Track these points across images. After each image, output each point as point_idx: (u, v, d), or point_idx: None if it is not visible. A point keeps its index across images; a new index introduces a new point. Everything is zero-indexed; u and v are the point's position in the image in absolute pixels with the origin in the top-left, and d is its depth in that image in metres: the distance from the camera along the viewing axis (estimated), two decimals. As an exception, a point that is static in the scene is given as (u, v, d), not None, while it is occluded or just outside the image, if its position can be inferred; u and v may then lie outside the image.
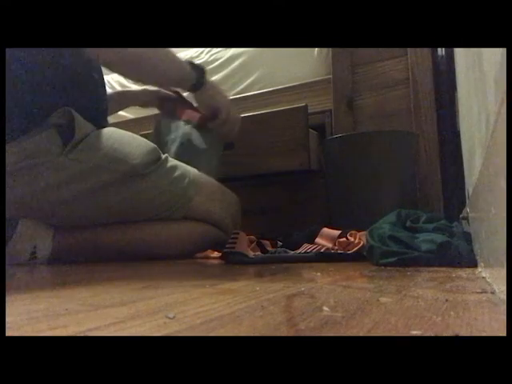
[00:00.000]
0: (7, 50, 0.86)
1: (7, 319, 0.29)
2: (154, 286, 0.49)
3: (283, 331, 0.25)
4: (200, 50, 1.80)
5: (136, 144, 1.00)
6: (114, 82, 1.91)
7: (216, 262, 0.91)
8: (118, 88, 1.91)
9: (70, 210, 0.96)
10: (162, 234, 1.01)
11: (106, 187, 0.95)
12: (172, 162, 1.03)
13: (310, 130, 1.33)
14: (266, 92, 1.54)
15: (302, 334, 0.24)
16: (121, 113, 1.84)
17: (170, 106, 1.22)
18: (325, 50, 1.49)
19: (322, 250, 0.83)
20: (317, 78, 1.47)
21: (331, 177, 1.23)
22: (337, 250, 0.83)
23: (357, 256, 0.77)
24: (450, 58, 1.21)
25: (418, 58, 1.29)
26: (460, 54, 0.86)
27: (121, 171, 0.95)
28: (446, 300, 0.34)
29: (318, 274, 0.60)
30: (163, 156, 1.02)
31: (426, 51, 1.28)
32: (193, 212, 1.02)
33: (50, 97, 0.96)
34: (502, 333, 0.23)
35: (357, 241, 0.81)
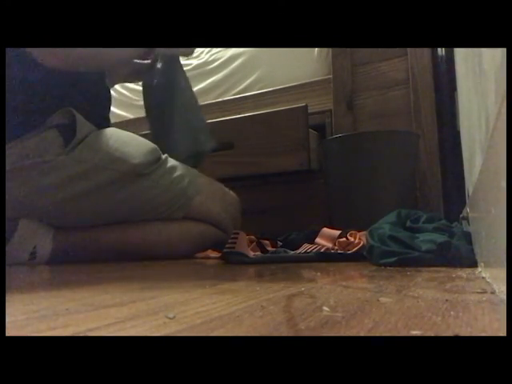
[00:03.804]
0: (9, 50, 0.86)
1: (7, 319, 0.29)
2: (154, 286, 0.49)
3: (283, 331, 0.25)
4: (200, 49, 1.80)
5: (136, 144, 1.00)
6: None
7: (216, 261, 0.91)
8: (118, 88, 1.91)
9: (70, 209, 0.96)
10: (162, 233, 1.01)
11: (106, 187, 0.95)
12: (172, 162, 1.03)
13: (310, 130, 1.33)
14: (265, 92, 1.54)
15: (302, 334, 0.24)
16: (121, 113, 1.84)
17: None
18: (325, 49, 1.49)
19: (322, 250, 0.83)
20: (317, 78, 1.47)
21: (331, 177, 1.23)
22: (337, 249, 0.83)
23: (357, 256, 0.77)
24: (450, 58, 1.21)
25: (417, 58, 1.29)
26: (460, 53, 0.86)
27: (121, 171, 0.95)
28: (446, 300, 0.34)
29: (318, 273, 0.60)
30: (163, 156, 1.02)
31: (426, 51, 1.28)
32: (193, 212, 1.02)
33: (51, 97, 0.96)
34: (502, 333, 0.23)
35: (357, 241, 0.81)
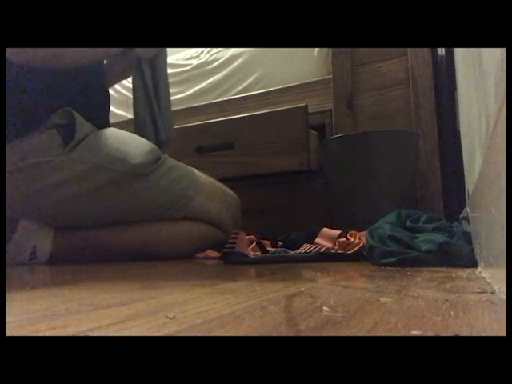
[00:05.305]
0: (9, 50, 0.86)
1: (7, 319, 0.29)
2: (154, 286, 0.49)
3: (283, 331, 0.25)
4: (200, 50, 1.80)
5: (136, 144, 1.00)
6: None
7: (216, 262, 0.91)
8: (118, 88, 1.91)
9: (70, 209, 0.96)
10: (162, 233, 1.01)
11: (106, 187, 0.95)
12: (172, 162, 1.03)
13: (310, 130, 1.33)
14: (265, 92, 1.54)
15: (302, 334, 0.24)
16: (121, 113, 1.84)
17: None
18: (325, 49, 1.49)
19: (321, 250, 0.83)
20: (317, 78, 1.47)
21: (331, 177, 1.23)
22: (337, 249, 0.83)
23: (357, 256, 0.77)
24: (450, 58, 1.21)
25: (418, 58, 1.29)
26: (460, 53, 0.86)
27: (121, 171, 0.95)
28: (446, 300, 0.34)
29: (318, 273, 0.60)
30: (163, 156, 1.02)
31: (426, 51, 1.28)
32: (193, 212, 1.02)
33: (50, 97, 0.96)
34: (502, 333, 0.23)
35: (357, 241, 0.81)
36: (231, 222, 1.08)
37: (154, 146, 1.03)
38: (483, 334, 0.23)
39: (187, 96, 1.74)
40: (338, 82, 1.40)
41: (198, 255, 1.06)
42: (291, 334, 0.24)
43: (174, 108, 1.72)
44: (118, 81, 1.31)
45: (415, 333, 0.24)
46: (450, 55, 1.22)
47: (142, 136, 1.08)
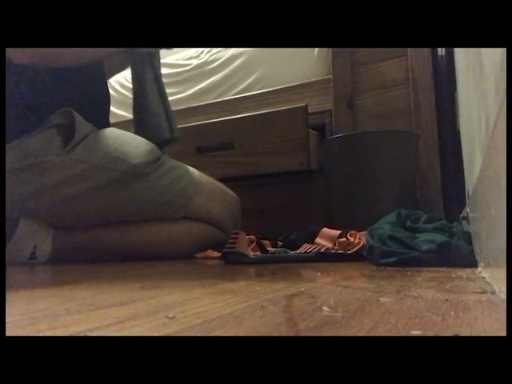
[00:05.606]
0: (9, 50, 0.86)
1: (7, 319, 0.29)
2: (154, 285, 0.49)
3: (283, 331, 0.25)
4: (200, 50, 1.80)
5: (136, 144, 1.00)
6: (114, 82, 1.91)
7: (216, 262, 0.91)
8: (118, 88, 1.91)
9: (70, 209, 0.96)
10: (162, 233, 1.01)
11: (105, 187, 0.95)
12: (172, 162, 1.03)
13: (310, 130, 1.33)
14: (266, 92, 1.54)
15: (302, 334, 0.24)
16: (121, 113, 1.84)
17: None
18: (325, 49, 1.49)
19: (321, 250, 0.83)
20: (317, 78, 1.47)
21: (331, 177, 1.23)
22: (337, 249, 0.83)
23: (357, 256, 0.77)
24: (450, 58, 1.21)
25: (418, 58, 1.29)
26: (460, 53, 0.86)
27: (121, 171, 0.95)
28: (446, 300, 0.34)
29: (318, 273, 0.60)
30: (163, 156, 1.02)
31: (426, 51, 1.28)
32: (193, 212, 1.02)
33: (50, 97, 0.96)
34: (502, 333, 0.23)
35: (357, 241, 0.81)
36: (231, 221, 1.08)
37: (154, 145, 1.03)
38: (483, 334, 0.23)
39: (187, 96, 1.74)
40: (338, 82, 1.40)
41: (198, 255, 1.06)
42: (291, 334, 0.24)
43: (173, 108, 1.72)
44: (115, 73, 1.30)
45: (415, 333, 0.24)
46: (450, 55, 1.22)
47: (153, 133, 1.07)
